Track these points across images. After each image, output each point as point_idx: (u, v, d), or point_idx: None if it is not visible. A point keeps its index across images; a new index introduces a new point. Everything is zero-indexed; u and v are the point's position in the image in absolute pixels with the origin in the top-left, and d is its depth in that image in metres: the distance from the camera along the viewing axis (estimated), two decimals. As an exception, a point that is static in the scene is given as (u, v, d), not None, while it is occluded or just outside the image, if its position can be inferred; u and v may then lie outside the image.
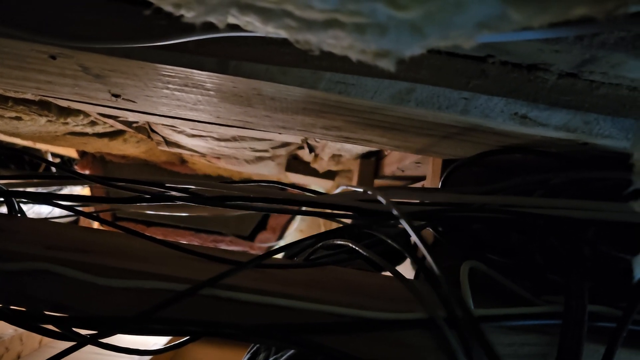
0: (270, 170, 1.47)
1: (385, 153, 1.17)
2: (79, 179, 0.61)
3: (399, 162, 1.01)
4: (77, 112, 0.99)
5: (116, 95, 0.52)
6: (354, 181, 1.28)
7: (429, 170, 0.74)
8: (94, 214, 0.84)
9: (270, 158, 1.32)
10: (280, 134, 0.73)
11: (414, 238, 0.48)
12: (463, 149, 0.57)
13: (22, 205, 0.59)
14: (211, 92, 0.47)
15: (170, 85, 0.47)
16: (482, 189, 0.58)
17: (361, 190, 0.60)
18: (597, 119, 0.42)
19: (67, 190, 1.65)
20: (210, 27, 0.31)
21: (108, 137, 1.29)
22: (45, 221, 0.56)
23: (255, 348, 0.64)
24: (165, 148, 1.30)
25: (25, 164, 1.67)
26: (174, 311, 0.41)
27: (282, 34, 0.28)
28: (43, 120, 0.96)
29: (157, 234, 1.97)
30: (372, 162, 1.25)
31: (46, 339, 1.60)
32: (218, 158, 1.41)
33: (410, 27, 0.23)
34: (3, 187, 0.55)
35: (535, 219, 0.50)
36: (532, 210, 0.51)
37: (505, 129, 0.45)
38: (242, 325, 0.41)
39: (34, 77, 0.50)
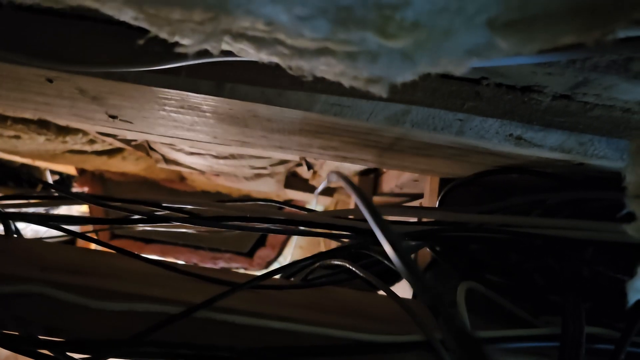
0: (269, 187, 1.47)
1: (384, 170, 1.17)
2: (76, 199, 0.61)
3: (397, 179, 1.02)
4: (76, 131, 0.99)
5: (113, 117, 0.52)
6: (352, 198, 1.28)
7: (427, 188, 0.74)
8: (91, 233, 0.84)
9: (269, 175, 1.32)
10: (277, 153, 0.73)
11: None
12: (460, 168, 0.57)
13: (19, 222, 0.59)
14: (207, 114, 0.47)
15: (166, 107, 0.47)
16: (480, 209, 0.58)
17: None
18: (592, 139, 0.43)
19: (66, 208, 1.65)
20: (204, 52, 0.31)
21: (107, 155, 1.29)
22: (40, 242, 0.56)
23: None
24: (164, 166, 1.30)
25: (23, 181, 1.67)
26: (168, 334, 0.41)
27: (275, 60, 0.28)
28: (42, 139, 0.97)
29: (156, 251, 1.96)
30: (370, 178, 1.25)
31: None
32: (217, 175, 1.42)
33: (400, 54, 0.23)
34: (0, 209, 0.54)
35: (532, 239, 0.50)
36: (529, 230, 0.51)
37: (501, 149, 0.45)
38: (237, 349, 0.40)
39: (32, 98, 0.50)
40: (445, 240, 0.56)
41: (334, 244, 0.66)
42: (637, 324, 0.42)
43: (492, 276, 0.53)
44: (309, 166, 1.26)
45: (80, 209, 1.88)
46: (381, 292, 0.58)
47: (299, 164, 1.27)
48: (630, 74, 0.36)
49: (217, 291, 0.43)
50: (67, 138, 0.99)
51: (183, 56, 0.36)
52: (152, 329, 0.40)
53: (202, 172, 1.40)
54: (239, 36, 0.25)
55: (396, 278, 0.68)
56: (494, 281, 0.52)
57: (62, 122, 0.88)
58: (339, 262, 0.57)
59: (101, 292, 0.42)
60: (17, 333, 0.41)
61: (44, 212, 0.66)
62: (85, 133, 1.03)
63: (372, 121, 0.42)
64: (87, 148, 1.17)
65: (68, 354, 0.41)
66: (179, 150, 1.10)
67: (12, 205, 0.60)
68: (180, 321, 0.41)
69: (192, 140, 0.60)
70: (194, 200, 0.60)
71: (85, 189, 1.79)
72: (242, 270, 2.00)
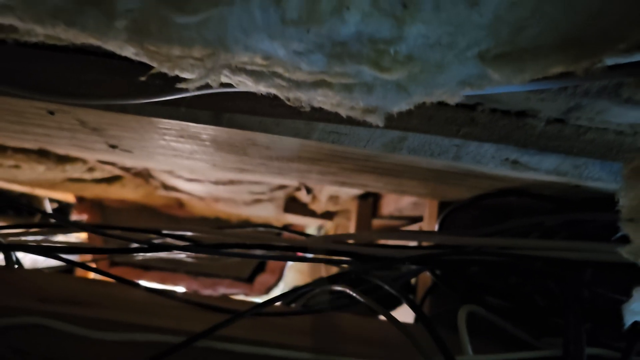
0: (268, 212, 1.47)
1: (383, 194, 1.17)
2: (74, 228, 0.61)
3: (396, 202, 1.02)
4: (75, 160, 1.00)
5: (113, 146, 0.53)
6: (352, 222, 1.28)
7: (426, 212, 0.75)
8: (91, 262, 0.84)
9: (268, 200, 1.32)
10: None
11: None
12: (459, 192, 0.58)
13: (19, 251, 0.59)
14: (207, 143, 0.48)
15: (166, 137, 0.47)
16: (478, 232, 0.59)
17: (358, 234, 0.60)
18: (586, 163, 0.43)
19: (65, 235, 1.64)
20: (204, 84, 0.31)
21: (106, 183, 1.30)
22: (40, 272, 0.56)
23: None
24: (164, 193, 1.30)
25: (23, 210, 1.67)
26: (169, 364, 0.41)
27: (273, 91, 0.29)
28: (42, 168, 0.97)
29: (155, 278, 1.95)
30: (369, 202, 1.26)
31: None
32: (216, 201, 1.42)
33: (395, 86, 0.24)
34: (1, 240, 0.55)
35: (532, 261, 0.50)
36: (528, 252, 0.51)
37: (497, 173, 0.46)
38: (238, 378, 0.40)
39: (32, 130, 0.51)
40: (445, 264, 0.56)
41: (334, 268, 0.66)
42: (636, 344, 0.42)
43: (493, 299, 0.53)
44: (308, 190, 1.27)
45: (79, 236, 1.88)
46: (382, 317, 0.58)
47: (298, 189, 1.27)
48: (620, 99, 0.36)
49: (218, 319, 0.43)
50: (67, 167, 1.00)
51: (183, 89, 0.37)
52: (153, 359, 0.40)
53: (201, 199, 1.41)
54: (238, 70, 0.26)
55: (396, 303, 0.67)
56: (494, 304, 0.52)
57: (61, 151, 0.89)
58: (339, 288, 0.57)
59: (101, 323, 0.42)
60: (16, 366, 0.41)
61: (43, 239, 0.66)
62: (84, 162, 1.03)
63: (369, 148, 0.43)
64: (87, 176, 1.17)
65: (68, 386, 0.41)
66: (178, 177, 1.10)
67: (12, 235, 0.60)
68: (181, 351, 0.41)
69: (191, 168, 0.61)
70: (193, 227, 0.60)
71: (84, 217, 1.79)
72: (242, 297, 1.98)
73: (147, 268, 1.97)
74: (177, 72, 0.28)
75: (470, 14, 0.20)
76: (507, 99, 0.40)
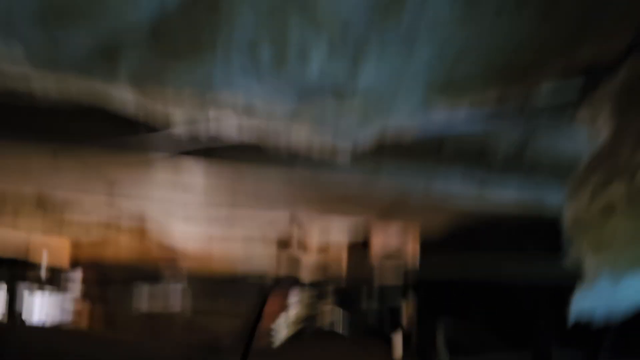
0: (261, 254, 1.51)
1: (371, 237, 1.21)
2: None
3: (383, 244, 1.06)
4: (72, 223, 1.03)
5: (113, 183, 0.57)
6: (344, 266, 1.32)
7: (409, 250, 0.79)
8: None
9: (260, 240, 1.36)
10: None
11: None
12: (434, 226, 0.62)
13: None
14: (199, 178, 0.52)
15: (163, 172, 0.51)
16: (454, 263, 0.62)
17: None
18: (546, 187, 0.47)
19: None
20: (195, 139, 0.36)
21: (102, 244, 1.33)
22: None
23: None
24: (159, 250, 1.34)
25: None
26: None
27: (255, 122, 0.33)
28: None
29: None
30: (360, 247, 1.29)
31: None
32: (209, 257, 1.46)
33: (357, 114, 0.28)
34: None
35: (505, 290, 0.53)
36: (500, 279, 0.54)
37: (464, 204, 0.50)
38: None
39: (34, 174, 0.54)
40: (424, 295, 0.59)
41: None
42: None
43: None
44: (300, 244, 1.31)
45: (73, 297, 1.85)
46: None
47: (289, 241, 1.32)
48: (568, 119, 0.40)
49: None
50: (63, 230, 1.02)
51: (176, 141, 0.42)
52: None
53: (195, 253, 1.44)
54: (223, 105, 0.30)
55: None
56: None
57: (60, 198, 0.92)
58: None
59: None
60: None
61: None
62: (82, 224, 1.06)
63: (348, 180, 0.47)
64: (83, 237, 1.20)
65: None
66: (174, 215, 1.13)
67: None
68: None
69: (186, 203, 0.64)
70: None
71: (79, 275, 1.78)
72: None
73: None
74: (169, 110, 0.32)
75: (409, 61, 0.24)
76: (468, 136, 0.45)
